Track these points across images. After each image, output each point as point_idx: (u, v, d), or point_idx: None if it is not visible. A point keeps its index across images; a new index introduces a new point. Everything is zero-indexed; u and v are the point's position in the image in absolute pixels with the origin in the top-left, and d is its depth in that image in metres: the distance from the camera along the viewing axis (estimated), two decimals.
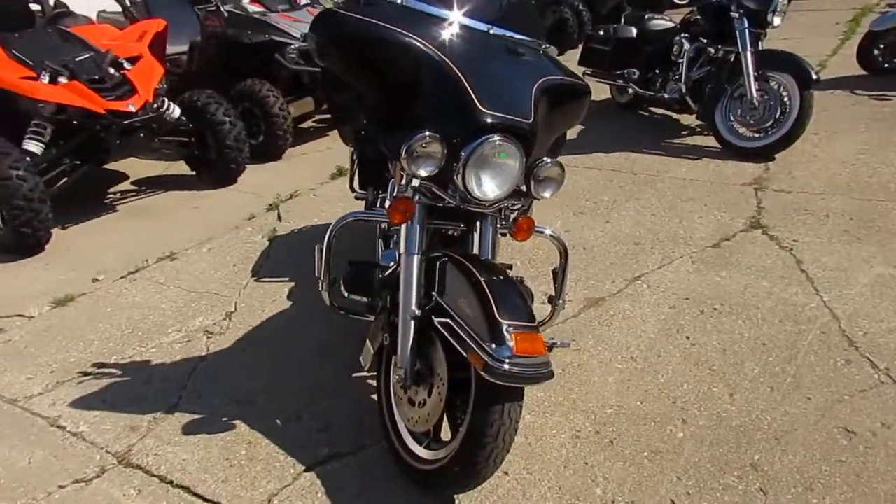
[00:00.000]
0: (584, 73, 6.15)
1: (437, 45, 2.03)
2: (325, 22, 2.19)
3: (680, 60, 5.19)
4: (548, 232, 2.45)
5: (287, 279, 3.59)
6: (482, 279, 1.97)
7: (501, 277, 2.01)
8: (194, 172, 5.40)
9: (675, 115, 5.81)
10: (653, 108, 6.11)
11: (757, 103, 4.66)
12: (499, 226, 2.28)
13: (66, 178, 4.51)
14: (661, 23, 5.72)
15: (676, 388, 2.54)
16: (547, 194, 2.15)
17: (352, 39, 2.09)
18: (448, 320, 1.97)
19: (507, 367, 1.80)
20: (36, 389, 2.85)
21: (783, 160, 4.67)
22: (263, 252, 3.98)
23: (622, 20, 5.98)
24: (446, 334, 1.96)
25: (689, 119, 5.66)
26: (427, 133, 1.92)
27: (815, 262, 3.32)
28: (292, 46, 5.71)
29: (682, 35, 5.28)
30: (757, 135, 4.78)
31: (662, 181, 4.55)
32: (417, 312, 2.07)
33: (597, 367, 2.69)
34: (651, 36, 5.66)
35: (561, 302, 2.51)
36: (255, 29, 5.77)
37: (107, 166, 5.18)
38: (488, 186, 2.01)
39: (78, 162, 4.58)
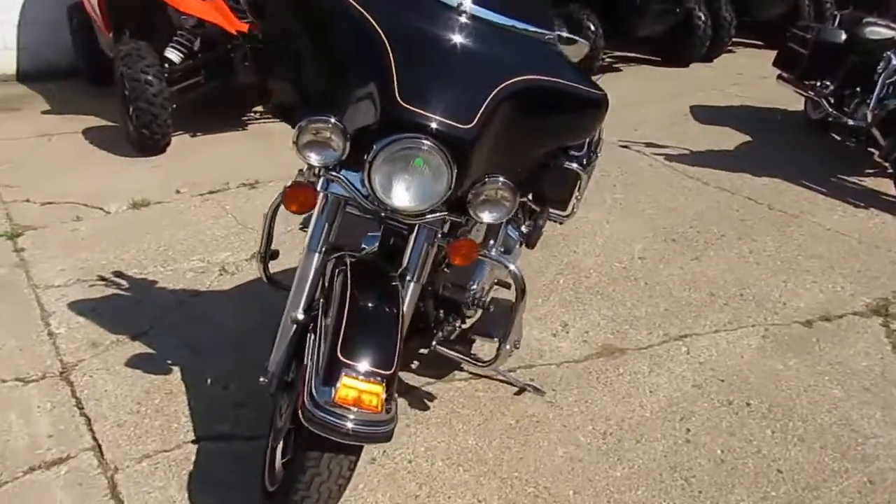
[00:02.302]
0: (778, 78, 5.23)
1: (379, 15, 1.70)
2: None
3: (880, 80, 4.16)
4: (511, 268, 2.05)
5: None
6: (351, 302, 1.67)
7: (379, 306, 1.70)
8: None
9: (871, 149, 4.75)
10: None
11: None
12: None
13: (196, 89, 4.75)
14: (881, 31, 4.60)
15: (627, 492, 2.05)
16: (486, 218, 1.77)
17: None
18: (314, 336, 1.72)
19: (320, 413, 1.52)
20: (57, 281, 3.03)
21: None
22: None
23: (836, 20, 4.92)
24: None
25: None
26: (323, 118, 1.63)
27: None
28: None
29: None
30: None
31: (799, 225, 3.73)
32: (300, 316, 1.82)
33: (556, 431, 2.26)
34: (862, 45, 4.58)
35: (509, 347, 2.11)
36: None
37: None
38: (398, 195, 1.68)
39: (211, 76, 4.79)
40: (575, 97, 1.87)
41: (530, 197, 2.78)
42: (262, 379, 1.86)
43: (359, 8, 1.69)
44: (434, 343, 2.23)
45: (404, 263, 1.90)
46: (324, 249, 1.87)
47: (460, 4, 1.75)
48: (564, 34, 2.05)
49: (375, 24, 1.68)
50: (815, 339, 2.76)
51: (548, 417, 2.31)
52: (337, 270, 1.80)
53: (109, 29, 4.71)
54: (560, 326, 2.80)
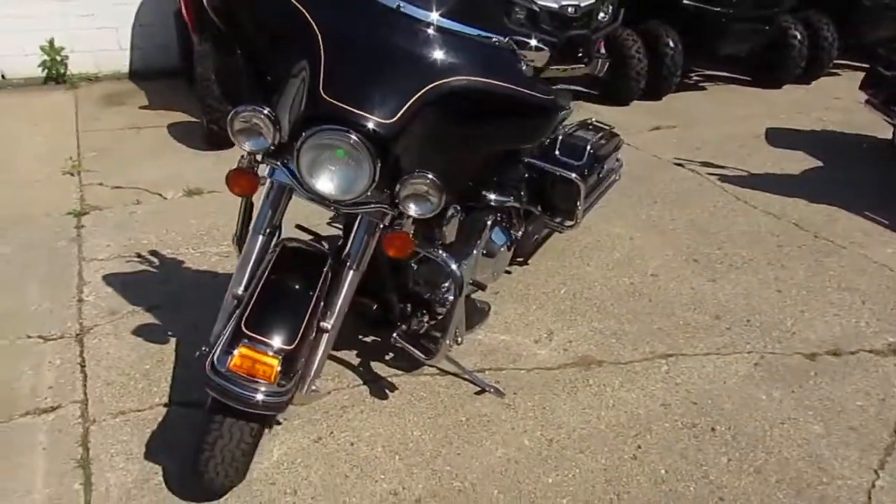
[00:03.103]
0: (866, 102, 4.90)
1: (317, 11, 1.81)
2: None
3: None
4: (452, 268, 2.11)
5: None
6: (266, 278, 1.80)
7: (293, 286, 1.81)
8: None
9: None
10: None
11: None
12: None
13: None
14: None
15: (553, 499, 2.04)
16: (412, 212, 1.84)
17: None
18: None
19: (215, 378, 1.65)
20: (101, 255, 3.36)
21: None
22: None
23: None
24: None
25: None
26: (252, 107, 1.77)
27: None
28: (519, 8, 5.52)
29: None
30: None
31: (842, 256, 3.50)
32: (239, 292, 1.97)
33: (503, 432, 2.28)
34: None
35: (448, 342, 2.16)
36: None
37: None
38: (324, 184, 1.79)
39: None
40: (518, 101, 1.91)
41: (519, 202, 2.81)
42: (202, 349, 2.01)
43: (297, 5, 1.81)
44: (394, 335, 2.31)
45: (346, 251, 2.00)
46: (268, 231, 2.01)
47: (399, 6, 1.83)
48: (522, 39, 2.08)
49: (313, 21, 1.80)
50: (814, 372, 2.60)
51: (499, 418, 2.33)
52: (272, 252, 1.93)
53: (195, 31, 5.13)
54: (545, 334, 2.79)
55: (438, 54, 1.84)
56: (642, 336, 2.79)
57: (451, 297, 2.15)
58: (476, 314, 2.52)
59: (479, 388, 2.44)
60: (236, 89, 2.25)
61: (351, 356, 2.62)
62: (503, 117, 1.94)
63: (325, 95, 1.72)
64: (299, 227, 2.61)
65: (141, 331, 2.76)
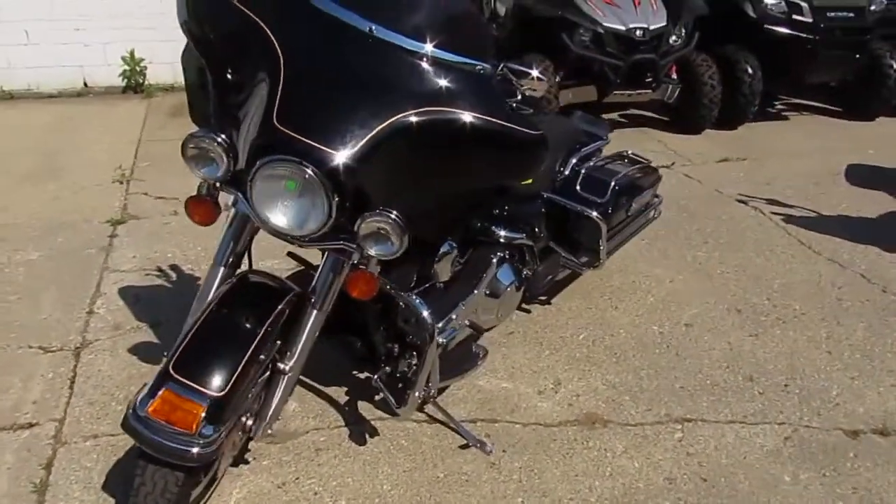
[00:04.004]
0: None
1: (283, 35, 1.69)
2: None
3: None
4: (424, 314, 1.93)
5: None
6: (205, 316, 1.68)
7: (234, 326, 1.68)
8: None
9: None
10: None
11: None
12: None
13: None
14: None
15: None
16: (372, 251, 1.69)
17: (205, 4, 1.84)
18: None
19: (132, 421, 1.54)
20: (124, 267, 3.38)
21: None
22: None
23: None
24: None
25: None
26: (203, 133, 1.67)
27: None
28: (583, 29, 5.29)
29: None
30: None
31: None
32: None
33: (479, 496, 2.07)
34: None
35: (417, 394, 1.98)
36: (554, 4, 5.46)
37: None
38: (277, 218, 1.67)
39: None
40: (498, 135, 1.72)
41: (534, 240, 2.61)
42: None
43: (265, 28, 1.69)
44: (375, 376, 2.16)
45: (311, 289, 1.87)
46: (230, 262, 1.90)
47: (371, 29, 1.69)
48: (519, 68, 1.89)
49: (276, 42, 1.68)
50: (854, 454, 2.26)
51: (480, 479, 2.12)
52: (225, 286, 1.82)
53: None
54: (552, 384, 2.57)
55: (410, 82, 1.68)
56: (660, 395, 2.52)
57: (424, 345, 1.97)
58: (468, 360, 2.33)
59: (465, 442, 2.25)
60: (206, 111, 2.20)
61: (340, 393, 2.48)
62: (480, 152, 1.76)
63: (277, 124, 1.60)
64: (290, 254, 2.51)
65: (137, 349, 2.71)
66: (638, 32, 5.30)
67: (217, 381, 1.57)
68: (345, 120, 1.62)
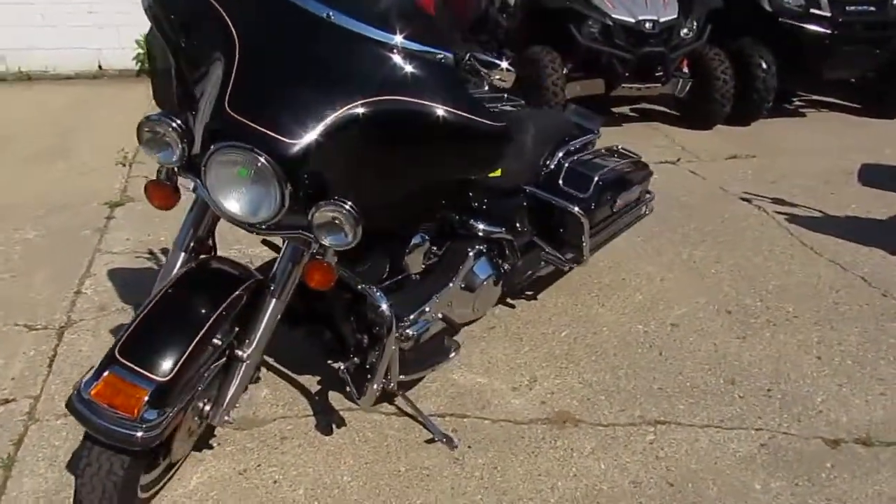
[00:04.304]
0: None
1: (240, 20, 1.66)
2: None
3: None
4: (383, 307, 1.91)
5: None
6: (156, 300, 1.67)
7: (184, 312, 1.67)
8: None
9: None
10: None
11: None
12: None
13: None
14: None
15: None
16: (325, 241, 1.67)
17: None
18: None
19: (77, 403, 1.55)
20: (116, 248, 3.41)
21: None
22: None
23: None
24: None
25: None
26: (157, 117, 1.66)
27: None
28: (592, 21, 5.20)
29: None
30: None
31: None
32: None
33: (437, 491, 2.05)
34: None
35: (376, 386, 1.96)
36: None
37: None
38: (231, 204, 1.66)
39: None
40: (458, 126, 1.69)
41: (514, 234, 2.57)
42: None
43: (221, 11, 1.67)
44: (342, 366, 2.14)
45: (270, 277, 1.86)
46: (192, 247, 1.90)
47: (329, 15, 1.66)
48: (487, 58, 1.86)
49: (232, 27, 1.66)
50: (831, 463, 2.19)
51: (441, 474, 2.10)
52: (182, 270, 1.82)
53: None
54: (527, 380, 2.53)
55: (367, 70, 1.66)
56: (636, 395, 2.47)
57: (383, 337, 1.95)
58: (439, 353, 2.30)
59: (431, 436, 2.23)
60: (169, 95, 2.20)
61: (312, 382, 2.48)
62: (438, 143, 1.73)
63: (229, 110, 1.59)
64: (265, 242, 2.50)
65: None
66: (647, 25, 5.21)
67: (162, 365, 1.57)
68: (298, 107, 1.60)
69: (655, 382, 2.55)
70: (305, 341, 2.31)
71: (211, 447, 2.15)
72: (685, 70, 5.71)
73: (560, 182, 2.64)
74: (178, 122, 1.67)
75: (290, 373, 2.51)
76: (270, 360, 2.55)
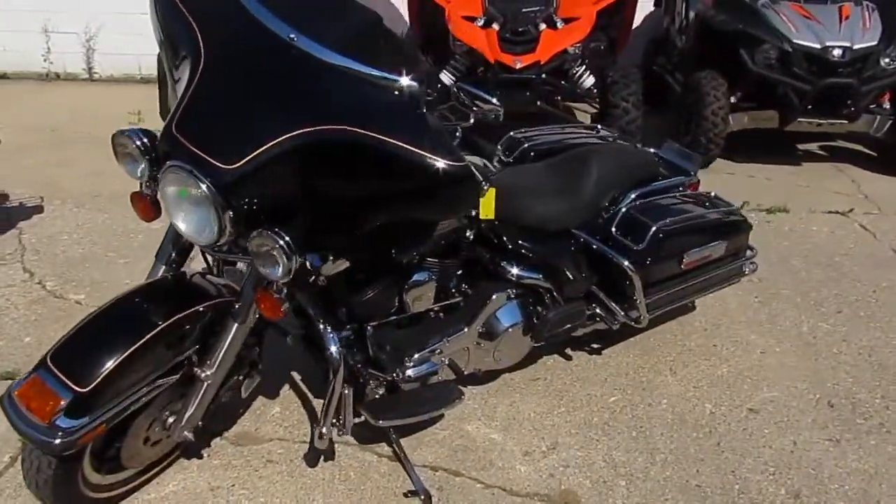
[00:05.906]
0: None
1: (210, 37, 1.65)
2: None
3: None
4: (332, 350, 1.80)
5: None
6: (100, 311, 1.72)
7: (124, 324, 1.70)
8: None
9: None
10: None
11: None
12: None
13: None
14: None
15: None
16: (264, 269, 1.63)
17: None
18: None
19: (6, 400, 1.63)
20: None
21: None
22: None
23: None
24: None
25: None
26: (123, 132, 1.73)
27: None
28: (768, 45, 4.59)
29: None
30: None
31: None
32: None
33: None
34: None
35: (325, 430, 1.86)
36: (736, 15, 4.81)
37: None
38: (179, 223, 1.67)
39: None
40: (405, 162, 1.53)
41: (551, 281, 2.32)
42: None
43: (196, 30, 1.67)
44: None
45: (236, 301, 1.84)
46: (172, 259, 1.94)
47: (291, 38, 1.59)
48: (476, 91, 1.68)
49: (202, 47, 1.65)
50: None
51: None
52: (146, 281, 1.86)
53: None
54: (546, 447, 2.27)
55: (318, 96, 1.58)
56: (665, 489, 2.09)
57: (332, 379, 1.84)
58: (440, 400, 2.14)
59: (412, 489, 2.07)
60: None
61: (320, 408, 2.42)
62: (388, 180, 1.58)
63: (173, 130, 1.59)
64: None
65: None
66: (836, 52, 4.49)
67: (86, 376, 1.60)
68: (239, 132, 1.57)
69: (696, 478, 2.15)
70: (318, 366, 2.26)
71: (200, 457, 2.18)
72: (886, 105, 4.85)
73: (613, 229, 2.33)
74: (145, 138, 1.71)
75: (309, 394, 2.48)
76: (297, 377, 2.54)
